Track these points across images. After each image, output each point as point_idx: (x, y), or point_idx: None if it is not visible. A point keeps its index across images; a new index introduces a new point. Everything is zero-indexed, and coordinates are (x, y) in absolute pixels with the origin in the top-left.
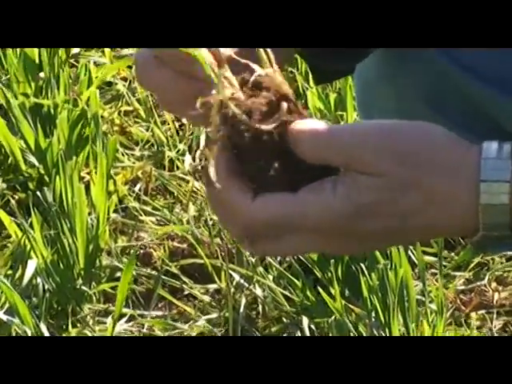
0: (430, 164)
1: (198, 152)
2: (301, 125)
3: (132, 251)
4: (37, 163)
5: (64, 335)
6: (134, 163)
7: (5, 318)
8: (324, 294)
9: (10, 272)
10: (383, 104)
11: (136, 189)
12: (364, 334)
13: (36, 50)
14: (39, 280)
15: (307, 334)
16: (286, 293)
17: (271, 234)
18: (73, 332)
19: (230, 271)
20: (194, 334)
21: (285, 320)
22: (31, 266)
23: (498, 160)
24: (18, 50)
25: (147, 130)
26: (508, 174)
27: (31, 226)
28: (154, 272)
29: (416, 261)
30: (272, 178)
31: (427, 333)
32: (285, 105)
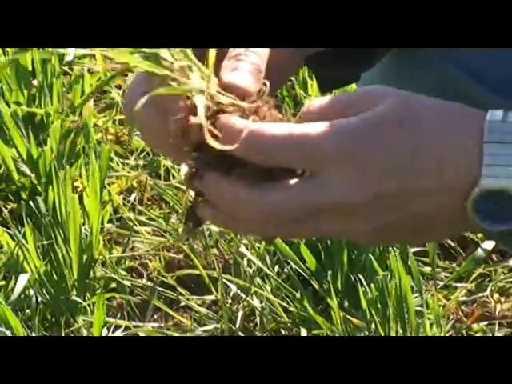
0: (437, 125)
1: None
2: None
3: (127, 262)
4: (29, 173)
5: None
6: (128, 172)
7: None
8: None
9: (2, 283)
10: None
11: (131, 198)
12: None
13: (29, 58)
14: (32, 292)
15: None
16: (284, 304)
17: (292, 218)
18: None
19: (227, 282)
20: None
21: (283, 332)
22: (23, 278)
23: (504, 123)
24: (11, 57)
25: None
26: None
27: (24, 236)
28: (149, 283)
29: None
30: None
31: None
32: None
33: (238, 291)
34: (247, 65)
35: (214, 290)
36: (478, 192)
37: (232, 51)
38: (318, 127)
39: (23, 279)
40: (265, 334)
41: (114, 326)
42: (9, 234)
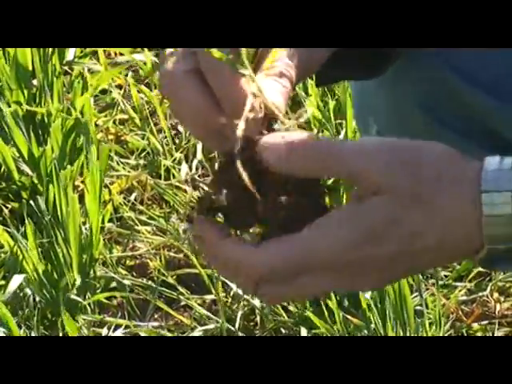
0: (432, 179)
1: (195, 161)
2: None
3: (127, 261)
4: (30, 172)
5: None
6: (129, 172)
7: None
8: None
9: (2, 283)
10: (380, 112)
11: (131, 198)
12: None
13: (29, 57)
14: (28, 291)
15: None
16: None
17: (282, 279)
18: None
19: (227, 281)
20: None
21: (283, 331)
22: (17, 278)
23: (500, 171)
24: (11, 56)
25: (143, 139)
26: (510, 183)
27: (24, 235)
28: (149, 282)
29: None
30: (269, 221)
31: None
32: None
33: (238, 290)
34: (281, 87)
35: (213, 290)
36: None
37: (268, 63)
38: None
39: (18, 278)
40: (265, 334)
41: (114, 325)
42: (9, 233)
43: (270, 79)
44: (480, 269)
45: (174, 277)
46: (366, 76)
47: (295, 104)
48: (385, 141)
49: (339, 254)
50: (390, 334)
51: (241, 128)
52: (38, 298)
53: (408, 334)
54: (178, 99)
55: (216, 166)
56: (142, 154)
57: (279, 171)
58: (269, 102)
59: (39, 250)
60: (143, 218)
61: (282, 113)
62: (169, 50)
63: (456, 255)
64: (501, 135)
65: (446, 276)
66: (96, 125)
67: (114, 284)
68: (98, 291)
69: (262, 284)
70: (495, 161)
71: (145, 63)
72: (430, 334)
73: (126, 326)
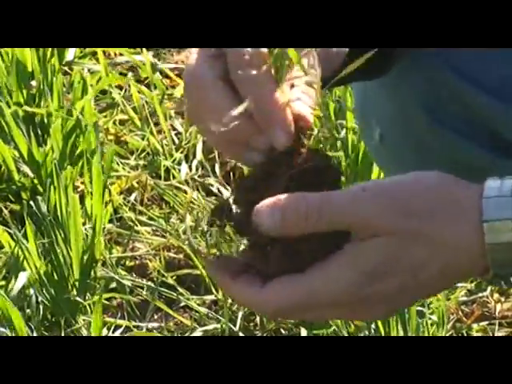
0: (431, 214)
1: (195, 161)
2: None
3: (127, 262)
4: (30, 173)
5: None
6: (129, 172)
7: None
8: None
9: (3, 283)
10: (382, 113)
11: (131, 198)
12: None
13: (29, 58)
14: (32, 291)
15: None
16: None
17: (291, 315)
18: None
19: None
20: None
21: (283, 332)
22: (22, 276)
23: (500, 198)
24: (10, 57)
25: (143, 139)
26: (510, 211)
27: (25, 236)
28: (149, 283)
29: None
30: (276, 259)
31: None
32: None
33: None
34: (308, 99)
35: (214, 290)
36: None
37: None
38: None
39: (23, 277)
40: (265, 334)
41: (114, 326)
42: (9, 233)
43: (297, 90)
44: None
45: (174, 277)
46: (368, 77)
47: None
48: (376, 184)
49: (341, 295)
50: (392, 334)
51: (282, 139)
52: (40, 298)
53: (409, 334)
54: (206, 107)
55: (238, 180)
56: (142, 155)
57: (276, 235)
58: (300, 113)
59: (39, 250)
60: (143, 218)
61: (310, 125)
62: (193, 50)
63: (461, 278)
64: (502, 136)
65: None
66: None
67: (113, 284)
68: (98, 292)
69: (273, 317)
70: (495, 185)
71: (144, 63)
72: (430, 335)
73: (126, 327)
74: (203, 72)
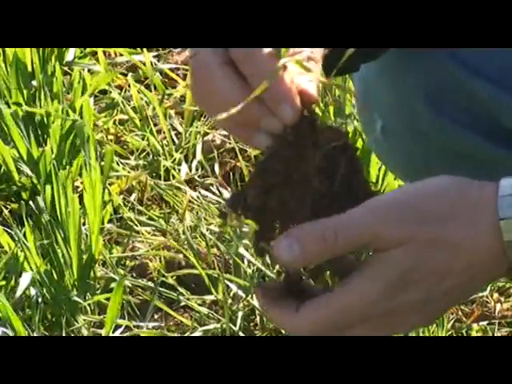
0: (445, 218)
1: (195, 162)
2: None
3: (127, 262)
4: (30, 173)
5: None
6: (128, 172)
7: None
8: None
9: (3, 283)
10: (384, 105)
11: (131, 198)
12: None
13: (28, 58)
14: (33, 291)
15: None
16: None
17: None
18: None
19: (227, 282)
20: None
21: (283, 332)
22: (26, 277)
23: None
24: (10, 57)
25: (142, 139)
26: None
27: (24, 236)
28: (149, 283)
29: None
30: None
31: None
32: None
33: (239, 291)
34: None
35: (213, 290)
36: None
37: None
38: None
39: (26, 278)
40: (265, 334)
41: (114, 325)
42: (9, 233)
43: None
44: None
45: (174, 277)
46: (369, 57)
47: None
48: (388, 197)
49: (371, 309)
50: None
51: (290, 114)
52: (40, 299)
53: (409, 334)
54: (213, 90)
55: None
56: (142, 155)
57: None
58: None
59: (39, 250)
60: (143, 218)
61: (316, 101)
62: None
63: (490, 278)
64: (504, 126)
65: None
66: (96, 125)
67: (113, 284)
68: (98, 292)
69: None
70: (509, 183)
71: (144, 63)
72: (430, 334)
73: (126, 327)
74: (209, 57)
